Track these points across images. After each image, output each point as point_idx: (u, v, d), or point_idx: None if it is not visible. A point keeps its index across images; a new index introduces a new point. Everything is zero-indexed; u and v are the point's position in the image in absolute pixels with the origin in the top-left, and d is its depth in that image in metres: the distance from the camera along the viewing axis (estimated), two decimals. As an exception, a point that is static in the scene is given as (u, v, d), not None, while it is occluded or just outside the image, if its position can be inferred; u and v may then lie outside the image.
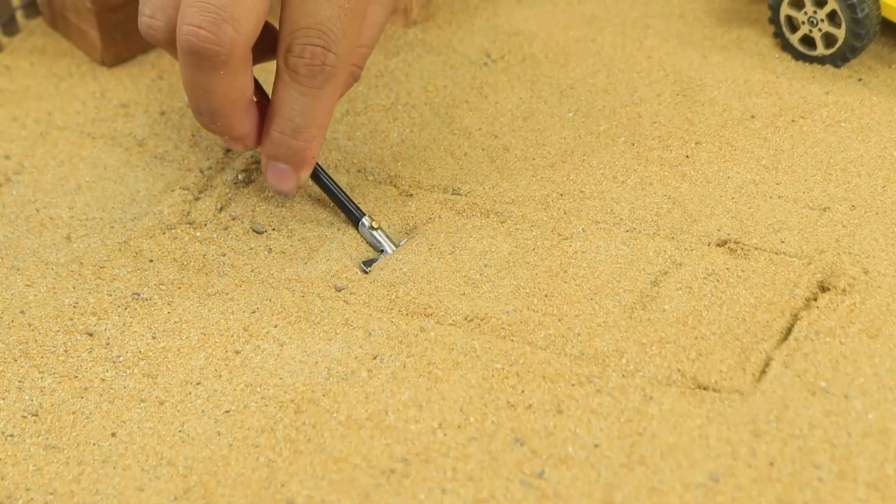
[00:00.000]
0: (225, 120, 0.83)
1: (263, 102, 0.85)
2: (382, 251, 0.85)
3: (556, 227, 0.85)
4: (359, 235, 0.86)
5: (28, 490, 0.72)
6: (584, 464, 0.71)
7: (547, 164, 0.91)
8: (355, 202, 0.87)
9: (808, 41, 0.98)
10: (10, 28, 1.04)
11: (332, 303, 0.82)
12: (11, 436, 0.75)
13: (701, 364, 0.76)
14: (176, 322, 0.81)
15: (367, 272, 0.84)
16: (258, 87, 0.86)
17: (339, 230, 0.87)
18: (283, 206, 0.89)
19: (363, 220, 0.86)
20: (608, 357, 0.77)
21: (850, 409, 0.73)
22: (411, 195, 0.89)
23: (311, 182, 0.88)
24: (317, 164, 0.87)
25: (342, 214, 0.88)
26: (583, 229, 0.85)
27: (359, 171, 0.91)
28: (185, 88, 0.81)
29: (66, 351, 0.80)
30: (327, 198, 0.89)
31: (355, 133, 0.94)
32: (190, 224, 0.88)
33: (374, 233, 0.86)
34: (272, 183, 0.86)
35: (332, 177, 0.88)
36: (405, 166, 0.91)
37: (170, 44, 0.81)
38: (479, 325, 0.79)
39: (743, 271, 0.82)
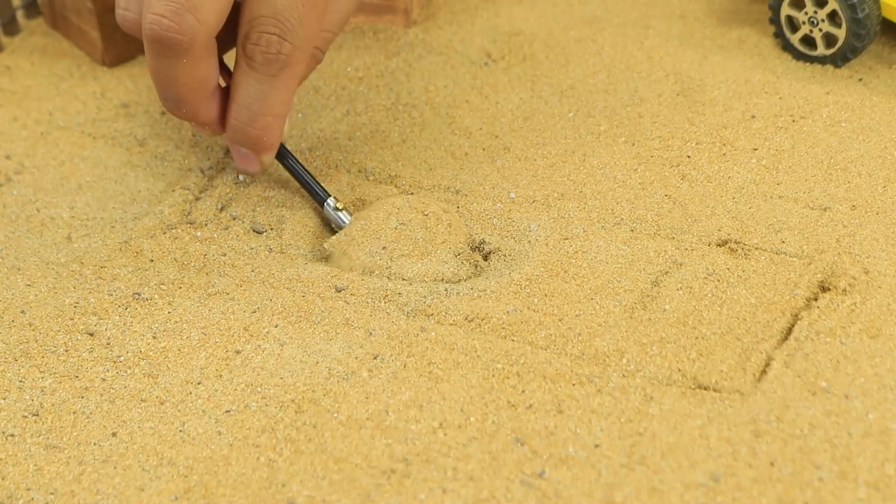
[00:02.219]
0: (189, 106, 0.84)
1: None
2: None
3: (556, 227, 0.85)
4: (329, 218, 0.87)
5: (29, 490, 0.72)
6: (584, 464, 0.71)
7: (547, 164, 0.91)
8: (322, 185, 0.88)
9: (808, 41, 0.98)
10: (11, 28, 1.04)
11: (332, 303, 0.82)
12: (12, 435, 0.75)
13: (701, 364, 0.76)
14: (176, 322, 0.81)
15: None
16: (226, 71, 0.86)
17: (339, 230, 0.87)
18: (283, 206, 0.89)
19: (328, 200, 0.87)
20: (609, 357, 0.77)
21: (850, 409, 0.73)
22: (412, 195, 0.89)
23: (276, 162, 0.89)
24: (282, 145, 0.88)
25: (308, 195, 0.89)
26: (583, 229, 0.85)
27: (359, 171, 0.91)
28: (151, 75, 0.83)
29: (66, 351, 0.80)
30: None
31: (356, 133, 0.94)
32: (190, 224, 0.88)
33: (339, 213, 0.86)
34: (237, 165, 0.88)
35: (297, 158, 0.89)
36: (406, 166, 0.91)
37: (141, 34, 0.82)
38: (479, 324, 0.79)
39: (743, 271, 0.81)
